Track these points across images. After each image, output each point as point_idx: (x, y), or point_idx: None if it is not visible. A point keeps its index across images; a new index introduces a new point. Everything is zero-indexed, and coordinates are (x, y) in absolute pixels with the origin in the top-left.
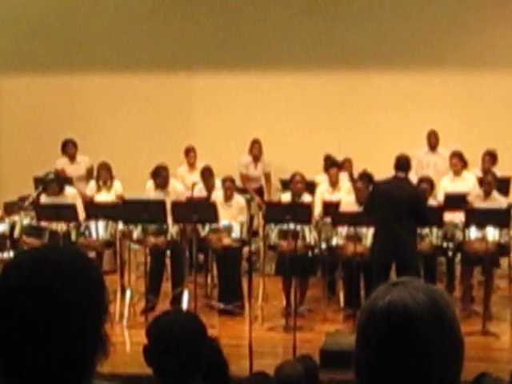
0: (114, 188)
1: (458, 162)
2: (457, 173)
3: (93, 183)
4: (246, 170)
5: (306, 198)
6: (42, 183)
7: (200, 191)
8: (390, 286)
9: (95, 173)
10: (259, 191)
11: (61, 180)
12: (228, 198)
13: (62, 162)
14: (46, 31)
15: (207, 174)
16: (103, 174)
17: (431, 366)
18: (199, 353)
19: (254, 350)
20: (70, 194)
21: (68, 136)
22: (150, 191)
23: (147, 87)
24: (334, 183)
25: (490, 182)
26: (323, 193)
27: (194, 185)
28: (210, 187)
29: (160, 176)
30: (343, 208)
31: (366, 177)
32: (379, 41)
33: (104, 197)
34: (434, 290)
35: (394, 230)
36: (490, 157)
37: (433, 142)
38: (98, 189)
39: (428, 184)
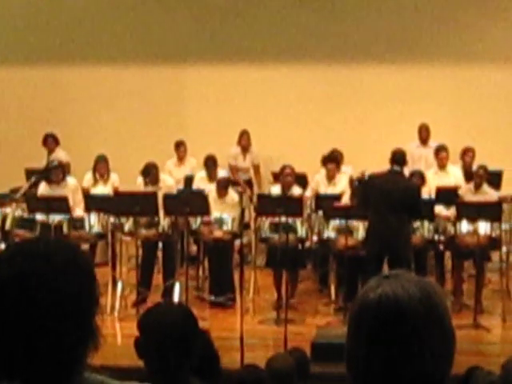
0: (110, 181)
1: (446, 156)
2: (443, 167)
3: (89, 175)
4: (235, 161)
5: (296, 190)
6: (43, 171)
7: (202, 180)
8: (382, 278)
9: (92, 165)
10: (248, 183)
11: (64, 168)
12: (222, 195)
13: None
14: (38, 23)
15: (210, 164)
16: (101, 166)
17: (422, 358)
18: (190, 345)
19: (245, 342)
20: (72, 184)
21: (59, 128)
22: (140, 187)
23: (138, 80)
24: (330, 177)
25: (482, 176)
26: (319, 183)
27: (188, 178)
28: (213, 177)
29: (150, 174)
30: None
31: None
32: (370, 35)
33: (101, 190)
34: (426, 282)
35: (388, 222)
36: (472, 152)
37: (424, 135)
38: (95, 182)
39: (419, 178)
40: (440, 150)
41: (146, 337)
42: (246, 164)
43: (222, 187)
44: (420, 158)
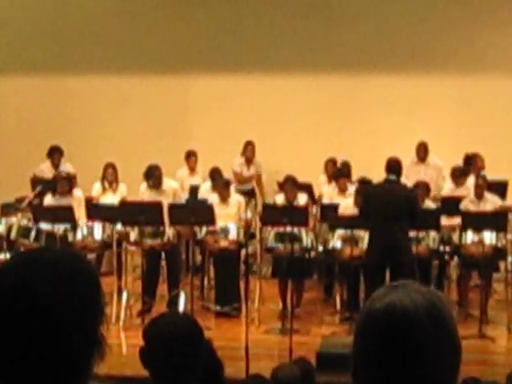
0: (119, 190)
1: (458, 179)
2: (459, 185)
3: (98, 185)
4: (239, 170)
5: (302, 198)
6: (51, 182)
7: (207, 192)
8: (389, 288)
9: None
10: (251, 193)
11: (71, 180)
12: (224, 199)
13: (45, 168)
14: (44, 33)
15: (217, 176)
16: (109, 173)
17: (429, 368)
18: (195, 355)
19: (250, 352)
20: (78, 196)
21: (65, 138)
22: (144, 194)
23: (144, 89)
24: (342, 191)
25: (482, 186)
26: (330, 195)
27: (193, 187)
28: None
29: (153, 176)
30: (342, 211)
31: (364, 183)
32: (375, 44)
33: (110, 199)
34: (433, 292)
35: (389, 232)
36: (479, 159)
37: (422, 154)
38: (104, 190)
39: (424, 189)
40: (453, 174)
41: (151, 347)
42: (250, 174)
43: (223, 189)
44: (419, 175)
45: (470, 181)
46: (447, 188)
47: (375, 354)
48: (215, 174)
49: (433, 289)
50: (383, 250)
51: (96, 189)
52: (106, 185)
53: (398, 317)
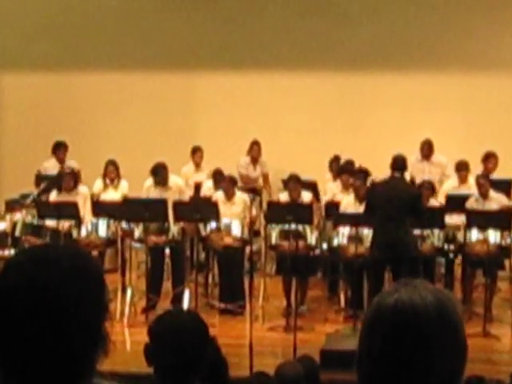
0: (120, 187)
1: (466, 172)
2: (463, 181)
3: (99, 181)
4: (246, 171)
5: (306, 196)
6: (55, 178)
7: (209, 190)
8: (399, 285)
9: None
10: (256, 190)
11: (76, 176)
12: (229, 197)
13: (50, 165)
14: (49, 29)
15: (219, 178)
16: (110, 171)
17: (435, 366)
18: (200, 352)
19: (254, 349)
20: (83, 192)
21: (69, 134)
22: (149, 190)
23: (149, 86)
24: (346, 187)
25: (485, 185)
26: (333, 192)
27: (198, 184)
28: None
29: (159, 174)
30: (344, 208)
31: (361, 173)
32: (379, 42)
33: (111, 195)
34: (442, 292)
35: (390, 229)
36: (494, 158)
37: (426, 151)
38: (105, 187)
39: (429, 188)
40: (458, 168)
41: (155, 344)
42: (256, 174)
43: (228, 186)
44: (423, 172)
45: (472, 180)
46: (450, 185)
47: (382, 349)
48: (218, 176)
49: (442, 288)
50: (384, 247)
51: (97, 186)
52: (108, 182)
53: (407, 314)
